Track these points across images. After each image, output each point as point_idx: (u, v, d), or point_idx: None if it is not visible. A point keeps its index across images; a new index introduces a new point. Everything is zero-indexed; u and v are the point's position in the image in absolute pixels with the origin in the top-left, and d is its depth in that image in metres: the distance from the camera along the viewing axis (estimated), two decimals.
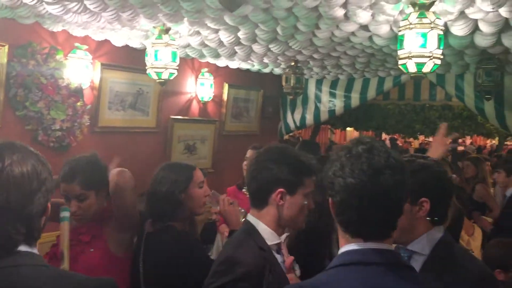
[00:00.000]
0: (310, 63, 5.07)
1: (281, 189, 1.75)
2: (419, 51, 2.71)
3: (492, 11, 2.68)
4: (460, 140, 12.22)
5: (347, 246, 1.29)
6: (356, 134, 16.69)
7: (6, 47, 3.60)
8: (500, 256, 2.64)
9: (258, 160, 1.83)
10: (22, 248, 1.19)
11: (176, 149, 5.27)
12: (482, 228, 4.06)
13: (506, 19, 2.81)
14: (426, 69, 2.75)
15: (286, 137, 6.96)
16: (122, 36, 3.96)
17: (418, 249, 1.65)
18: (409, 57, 2.74)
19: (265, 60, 4.87)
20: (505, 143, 12.00)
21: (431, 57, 2.72)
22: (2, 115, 3.65)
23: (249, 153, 3.98)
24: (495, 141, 12.19)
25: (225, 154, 5.74)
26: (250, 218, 1.82)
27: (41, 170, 1.22)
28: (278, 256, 1.79)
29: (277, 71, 5.64)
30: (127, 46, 4.28)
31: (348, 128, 12.37)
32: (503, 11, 2.65)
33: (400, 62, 2.83)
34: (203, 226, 4.03)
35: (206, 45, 4.11)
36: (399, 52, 2.81)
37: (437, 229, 1.69)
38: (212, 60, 5.02)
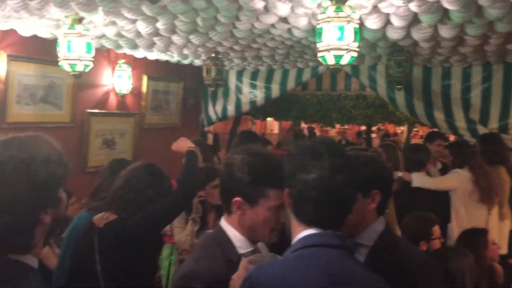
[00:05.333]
0: (231, 55, 5.07)
1: (238, 199, 1.61)
2: (337, 44, 2.80)
3: (402, 6, 2.82)
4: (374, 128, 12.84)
5: (305, 232, 1.38)
6: (276, 124, 17.01)
7: None
8: (419, 229, 2.89)
9: (227, 163, 1.69)
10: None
11: (94, 144, 5.05)
12: None
13: (415, 13, 2.98)
14: (344, 61, 2.85)
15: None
16: (30, 25, 3.69)
17: (364, 241, 1.70)
18: (327, 50, 2.83)
19: (185, 52, 4.79)
20: (413, 129, 12.81)
21: (348, 50, 2.82)
22: None
23: None
24: (404, 128, 12.96)
25: (147, 148, 5.59)
26: (222, 223, 1.69)
27: None
28: None
29: (198, 62, 5.57)
30: (35, 36, 4.01)
31: (268, 118, 12.59)
32: (413, 6, 2.81)
33: (319, 54, 2.91)
34: None
35: (123, 36, 3.96)
36: (318, 45, 2.89)
37: (380, 221, 1.76)
38: (129, 51, 4.84)
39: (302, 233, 1.38)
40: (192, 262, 1.66)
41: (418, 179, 4.00)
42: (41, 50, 4.23)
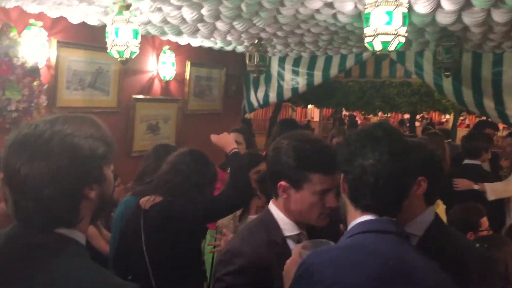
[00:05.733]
0: (274, 41, 5.04)
1: (284, 183, 1.64)
2: (385, 29, 2.73)
3: None
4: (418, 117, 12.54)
5: (362, 218, 1.37)
6: (316, 111, 16.88)
7: None
8: (466, 220, 2.82)
9: (274, 148, 1.71)
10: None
11: (139, 129, 5.16)
12: None
13: None
14: (391, 47, 2.78)
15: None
16: (79, 12, 3.79)
17: (413, 231, 1.67)
18: (375, 35, 2.76)
19: (228, 38, 4.79)
20: (459, 118, 12.41)
21: (396, 35, 2.75)
22: None
23: (232, 136, 4.06)
24: (450, 116, 12.59)
25: (189, 134, 5.67)
26: (270, 205, 1.74)
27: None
28: None
29: (240, 49, 5.58)
30: (84, 23, 4.11)
31: (309, 106, 12.49)
32: None
33: (366, 40, 2.85)
34: None
35: (168, 22, 4.00)
36: (365, 30, 2.83)
37: (429, 211, 1.73)
38: (173, 38, 4.90)
39: (358, 219, 1.38)
40: (237, 239, 1.73)
41: (493, 191, 3.82)
42: (90, 37, 4.34)
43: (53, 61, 4.16)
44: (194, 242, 2.66)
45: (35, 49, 3.88)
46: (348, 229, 1.40)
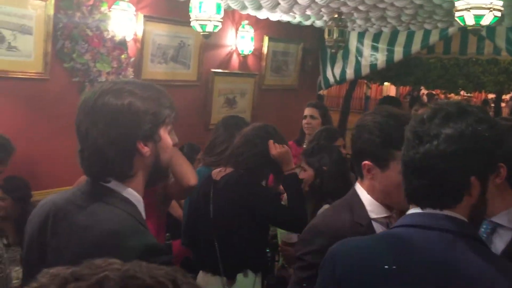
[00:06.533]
0: (354, 15, 4.92)
1: (368, 162, 1.56)
2: (478, 2, 2.59)
3: None
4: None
5: (411, 210, 1.25)
6: (393, 89, 16.32)
7: None
8: None
9: (357, 125, 1.65)
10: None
11: (217, 102, 5.29)
12: None
13: None
14: (485, 21, 2.63)
15: None
16: None
17: (505, 222, 1.50)
18: (467, 9, 2.62)
19: (308, 12, 4.74)
20: None
21: (491, 9, 2.59)
22: (51, 67, 3.71)
23: (307, 111, 4.13)
24: None
25: (264, 108, 5.73)
26: (356, 186, 1.66)
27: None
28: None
29: (319, 23, 5.50)
30: None
31: (385, 83, 12.11)
32: None
33: (456, 14, 2.72)
34: None
35: None
36: (457, 4, 2.69)
37: None
38: (253, 12, 4.92)
39: (409, 210, 1.26)
40: (319, 218, 1.73)
41: None
42: (174, 11, 4.46)
43: (139, 35, 4.33)
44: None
45: (123, 23, 4.06)
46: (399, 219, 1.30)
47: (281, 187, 2.78)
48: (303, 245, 1.65)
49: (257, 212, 2.51)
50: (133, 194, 1.31)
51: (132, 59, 4.27)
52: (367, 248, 1.23)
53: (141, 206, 1.34)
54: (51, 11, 3.62)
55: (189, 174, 2.36)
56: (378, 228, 1.58)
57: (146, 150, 1.29)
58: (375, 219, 1.59)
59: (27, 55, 3.56)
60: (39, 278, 0.56)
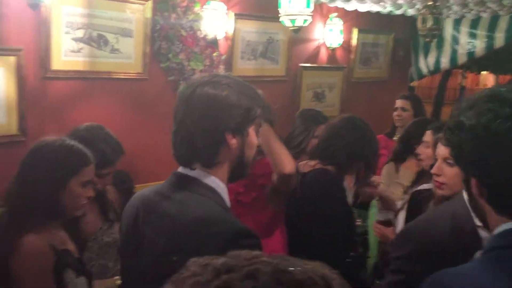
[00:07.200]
0: (450, 1, 4.66)
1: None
2: None
3: None
4: None
5: (504, 225, 1.05)
6: (491, 78, 15.21)
7: (151, 1, 3.81)
8: None
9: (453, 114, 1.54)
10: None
11: (305, 97, 5.29)
12: None
13: None
14: None
15: None
16: None
17: None
18: None
19: (399, 1, 4.57)
20: None
21: None
22: (150, 67, 3.92)
23: (398, 103, 4.05)
24: None
25: (353, 102, 5.62)
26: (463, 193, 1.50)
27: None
28: None
29: (411, 12, 5.27)
30: None
31: (483, 72, 11.31)
32: None
33: None
34: None
35: None
36: None
37: None
38: (341, 4, 4.84)
39: (500, 226, 1.06)
40: (415, 222, 1.62)
41: None
42: (262, 7, 4.52)
43: (230, 33, 4.44)
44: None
45: (215, 22, 4.18)
46: (490, 238, 1.11)
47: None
48: (394, 248, 1.60)
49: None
50: (217, 183, 1.37)
51: (223, 57, 4.39)
52: (476, 277, 1.06)
53: (225, 194, 1.39)
54: (149, 14, 3.82)
55: (285, 161, 2.29)
56: (483, 235, 1.44)
57: (233, 142, 1.34)
58: (480, 227, 1.44)
59: (128, 57, 3.80)
60: (189, 267, 0.58)
